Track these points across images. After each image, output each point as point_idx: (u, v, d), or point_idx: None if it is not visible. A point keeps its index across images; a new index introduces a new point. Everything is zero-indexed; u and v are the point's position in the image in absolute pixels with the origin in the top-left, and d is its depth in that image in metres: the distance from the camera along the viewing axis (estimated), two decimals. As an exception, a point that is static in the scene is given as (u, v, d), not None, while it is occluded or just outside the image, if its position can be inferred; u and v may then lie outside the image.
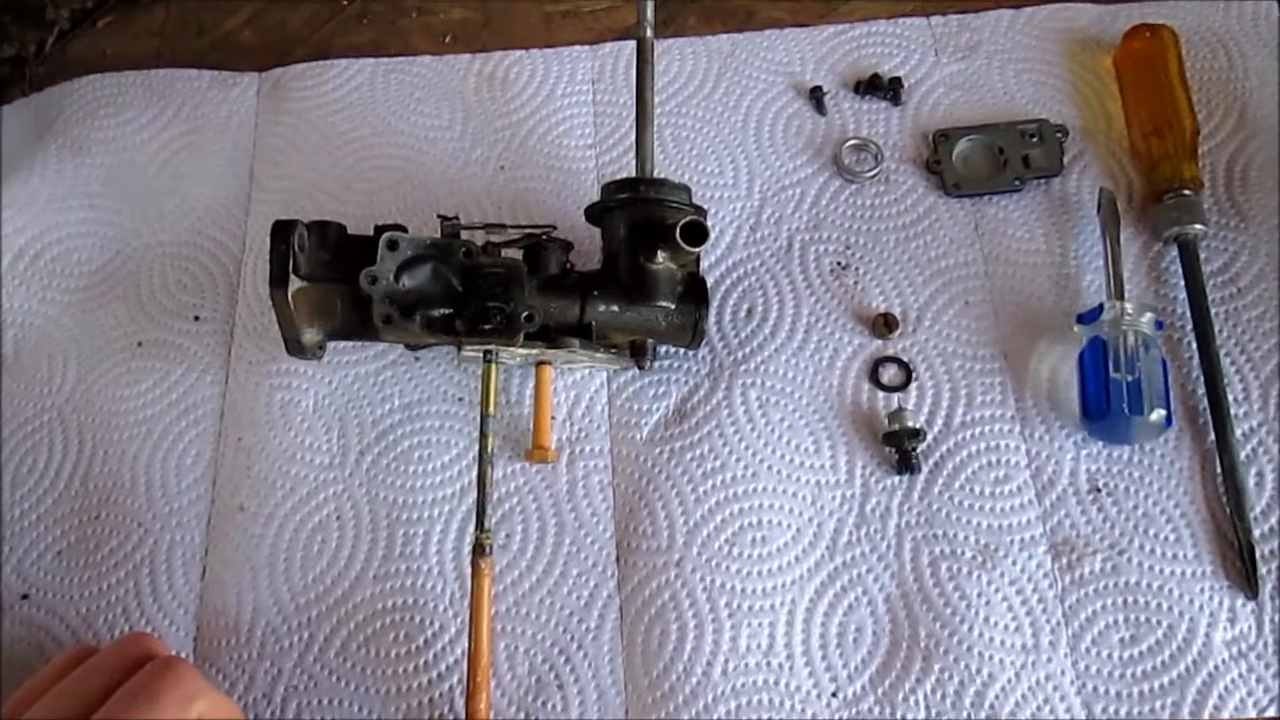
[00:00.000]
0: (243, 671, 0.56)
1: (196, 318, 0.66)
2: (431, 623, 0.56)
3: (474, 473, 0.57)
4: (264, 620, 0.57)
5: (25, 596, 0.59)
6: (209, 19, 0.78)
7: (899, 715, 0.53)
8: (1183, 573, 0.55)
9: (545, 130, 0.70)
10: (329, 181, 0.69)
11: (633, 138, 0.59)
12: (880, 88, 0.69)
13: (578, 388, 0.62)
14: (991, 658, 0.54)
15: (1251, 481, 0.57)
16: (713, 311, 0.63)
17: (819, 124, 0.69)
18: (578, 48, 0.73)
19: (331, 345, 0.62)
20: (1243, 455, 0.57)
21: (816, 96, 0.69)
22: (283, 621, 0.57)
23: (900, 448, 0.58)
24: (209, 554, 0.59)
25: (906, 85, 0.69)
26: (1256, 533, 0.55)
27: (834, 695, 0.54)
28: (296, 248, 0.53)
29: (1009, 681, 0.53)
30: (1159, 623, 0.54)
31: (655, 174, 0.59)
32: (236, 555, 0.59)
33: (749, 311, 0.63)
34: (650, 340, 0.58)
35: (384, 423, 0.62)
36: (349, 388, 0.63)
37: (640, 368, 0.59)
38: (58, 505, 0.61)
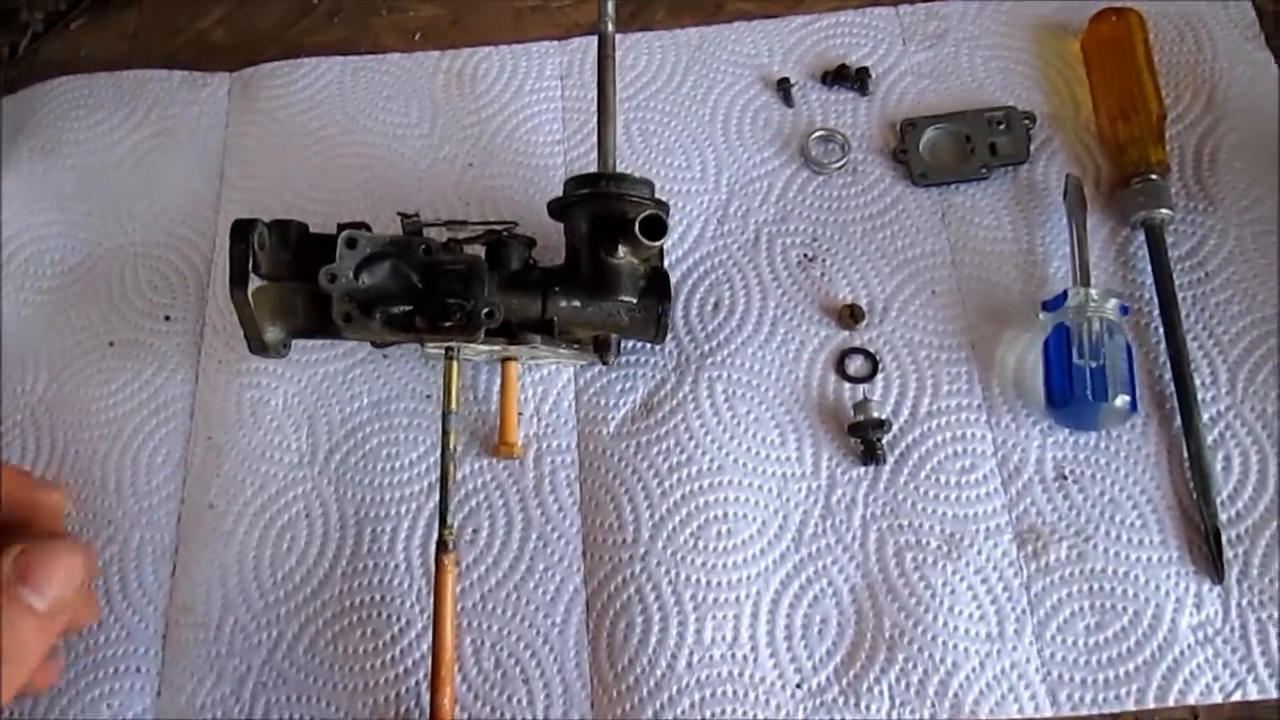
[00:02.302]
0: (211, 668, 0.56)
1: (167, 317, 0.66)
2: (398, 619, 0.57)
3: (441, 469, 0.57)
4: (233, 617, 0.58)
5: (-3, 597, 0.59)
6: (181, 19, 0.78)
7: (863, 706, 0.53)
8: (1149, 558, 0.55)
9: (514, 127, 0.70)
10: (298, 180, 0.69)
11: (601, 133, 0.60)
12: (848, 78, 0.69)
13: (545, 383, 0.62)
14: (956, 647, 0.54)
15: (1218, 466, 0.57)
16: (679, 305, 0.63)
17: (786, 116, 0.69)
18: (546, 43, 0.73)
19: (300, 344, 0.62)
20: (1209, 440, 0.57)
21: (784, 88, 0.69)
22: (252, 619, 0.57)
23: (866, 438, 0.58)
24: (179, 551, 0.60)
25: (874, 75, 0.69)
26: (1223, 517, 0.55)
27: (798, 687, 0.54)
28: (256, 247, 0.54)
29: (973, 670, 0.53)
30: (1125, 609, 0.54)
31: (620, 168, 0.59)
32: (206, 553, 0.59)
33: (716, 305, 0.63)
34: (614, 335, 0.58)
35: (352, 421, 0.62)
36: (318, 386, 0.63)
37: (604, 363, 0.59)
38: (30, 506, 0.61)
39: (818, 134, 0.67)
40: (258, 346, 0.56)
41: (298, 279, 0.55)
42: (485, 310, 0.54)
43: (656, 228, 0.53)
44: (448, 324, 0.54)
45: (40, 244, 0.69)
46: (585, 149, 0.69)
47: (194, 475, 0.61)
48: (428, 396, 0.62)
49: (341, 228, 0.55)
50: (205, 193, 0.70)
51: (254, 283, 0.54)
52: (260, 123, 0.72)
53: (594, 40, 0.71)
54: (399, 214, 0.57)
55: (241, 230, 0.54)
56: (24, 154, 0.71)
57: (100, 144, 0.72)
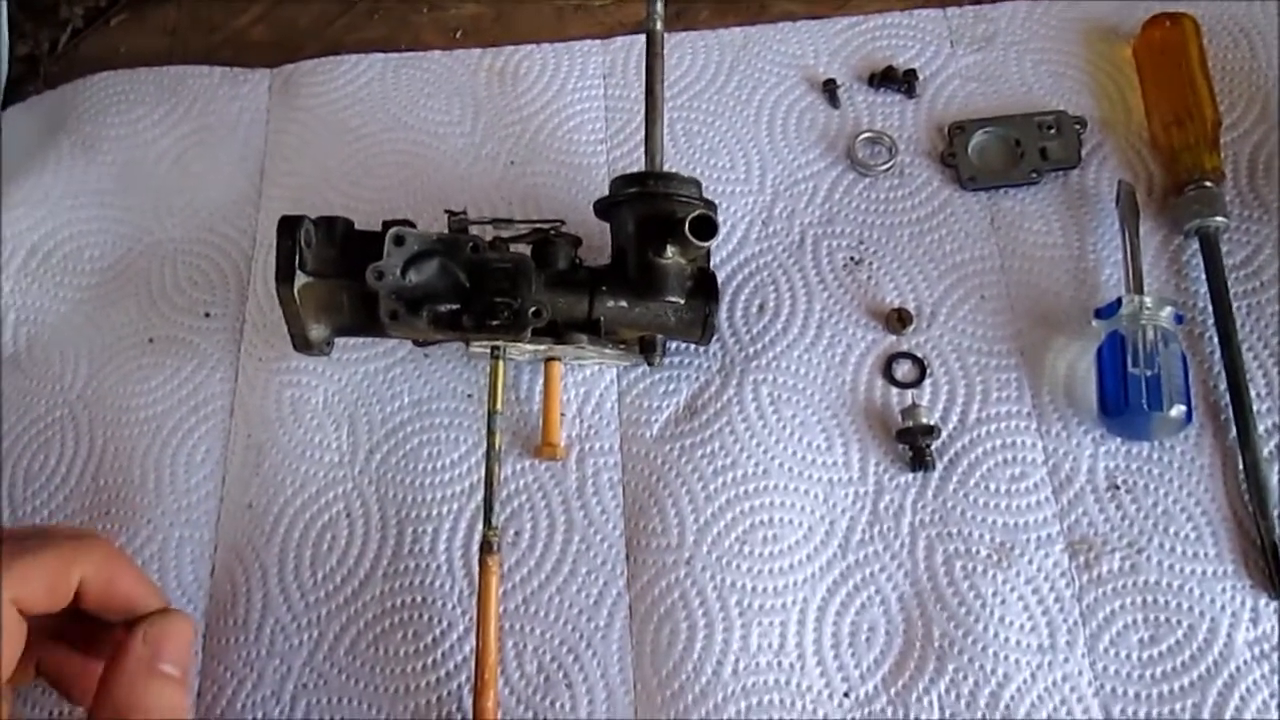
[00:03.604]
0: (251, 669, 0.56)
1: (207, 314, 0.66)
2: (440, 620, 0.56)
3: (483, 470, 0.57)
4: (273, 618, 0.57)
5: (36, 593, 0.59)
6: (221, 16, 0.78)
7: (912, 716, 0.52)
8: (1204, 572, 0.54)
9: (556, 125, 0.70)
10: (339, 177, 0.69)
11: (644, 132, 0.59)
12: (895, 80, 0.68)
13: (587, 384, 0.61)
14: (1007, 658, 0.53)
15: (1274, 478, 0.55)
16: (724, 307, 0.62)
17: (832, 117, 0.68)
18: (589, 42, 0.72)
19: (341, 342, 0.62)
20: (1265, 452, 0.56)
21: (830, 89, 0.68)
22: (292, 619, 0.57)
23: (914, 444, 0.57)
24: (218, 551, 0.59)
25: (921, 78, 0.68)
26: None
27: (846, 695, 0.53)
28: (303, 243, 0.53)
29: (1025, 682, 0.52)
30: (1179, 623, 0.53)
31: (665, 168, 0.58)
32: (246, 552, 0.59)
33: (760, 307, 0.63)
34: (660, 336, 0.58)
35: (393, 420, 0.61)
36: (358, 385, 0.62)
37: (650, 364, 0.59)
38: (69, 501, 0.61)
39: (864, 136, 0.67)
40: (302, 344, 0.56)
41: (343, 276, 0.54)
42: (532, 309, 0.53)
43: (707, 228, 0.52)
44: (495, 323, 0.53)
45: (80, 240, 0.69)
46: (628, 148, 0.68)
47: (233, 474, 0.61)
48: (469, 396, 0.62)
49: (386, 225, 0.55)
50: (246, 189, 0.69)
51: (300, 279, 0.53)
52: (301, 120, 0.71)
53: (637, 40, 0.71)
54: (446, 211, 0.57)
55: (288, 226, 0.53)
56: (65, 149, 0.71)
57: (141, 140, 0.72)
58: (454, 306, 0.54)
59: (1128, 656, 0.53)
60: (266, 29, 0.77)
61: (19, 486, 0.62)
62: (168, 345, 0.65)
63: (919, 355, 0.60)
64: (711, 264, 0.61)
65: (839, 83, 0.68)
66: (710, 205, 0.57)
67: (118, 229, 0.69)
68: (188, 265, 0.67)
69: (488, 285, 0.54)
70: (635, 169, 0.66)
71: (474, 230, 0.57)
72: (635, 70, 0.71)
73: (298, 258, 0.53)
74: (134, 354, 0.65)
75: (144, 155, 0.71)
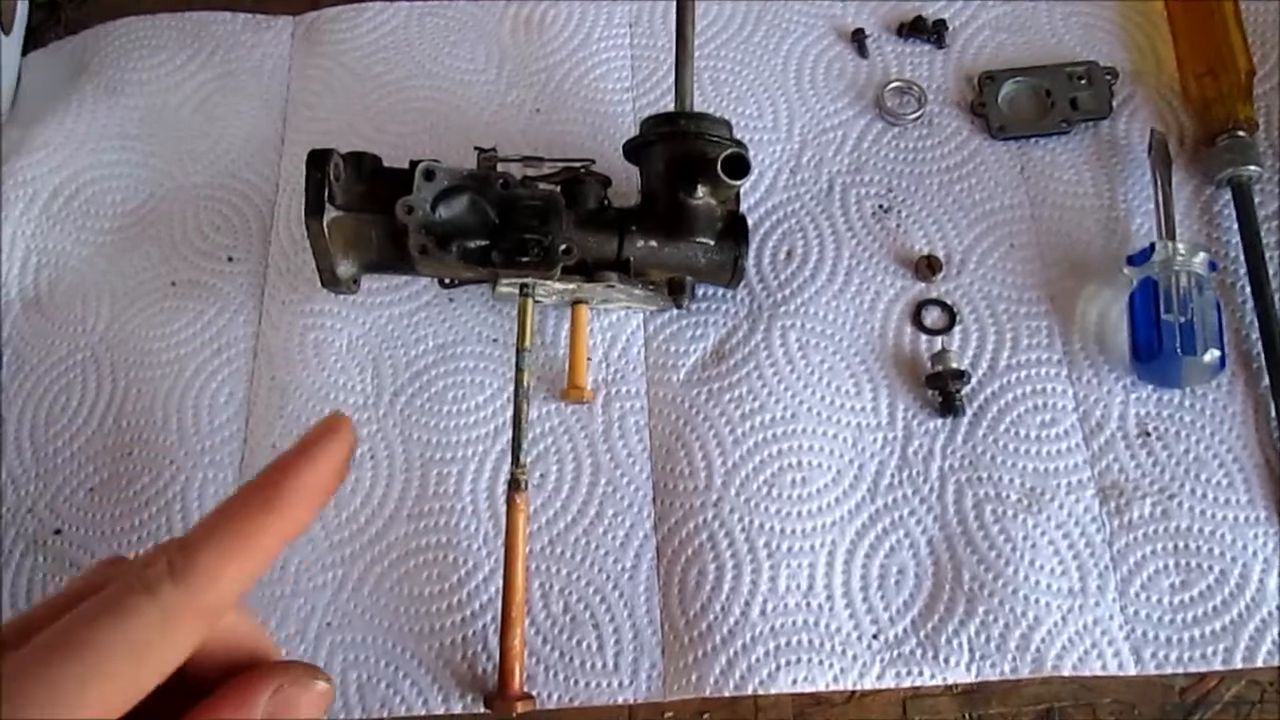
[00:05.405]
0: (275, 608, 0.55)
1: (230, 258, 0.65)
2: (465, 561, 0.56)
3: (508, 413, 0.56)
4: (298, 558, 0.57)
5: (58, 532, 0.58)
6: (243, -37, 0.77)
7: (942, 658, 0.52)
8: (1235, 518, 0.54)
9: (582, 74, 0.69)
10: (363, 124, 0.68)
11: (670, 81, 0.58)
12: (924, 30, 0.68)
13: (614, 329, 0.61)
14: (1038, 601, 0.53)
15: (1307, 427, 0.55)
16: (752, 253, 0.62)
17: (861, 67, 0.68)
18: (615, -9, 0.72)
19: (365, 286, 0.61)
20: (1298, 400, 0.56)
21: (858, 39, 0.68)
22: (316, 559, 0.57)
23: (944, 389, 0.57)
24: (242, 492, 0.59)
25: (951, 27, 0.68)
26: (1312, 479, 0.54)
27: (875, 637, 0.53)
28: (332, 177, 0.53)
29: (1055, 625, 0.52)
30: (1210, 568, 0.53)
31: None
32: (269, 493, 0.58)
33: (789, 253, 0.62)
34: (689, 278, 0.57)
35: (418, 363, 0.61)
36: (382, 328, 0.62)
37: (678, 306, 0.58)
38: (91, 442, 0.61)
39: (893, 85, 0.66)
40: (330, 280, 0.55)
41: (373, 211, 0.54)
42: (563, 246, 0.53)
43: (739, 166, 0.52)
44: (525, 259, 0.53)
45: (103, 184, 0.68)
46: (654, 96, 0.68)
47: (257, 415, 0.61)
48: (494, 340, 0.61)
49: (414, 164, 0.54)
50: (269, 135, 0.69)
51: (329, 213, 0.52)
52: (324, 66, 0.71)
53: (664, -11, 0.71)
54: (476, 149, 0.56)
55: (318, 159, 0.52)
56: (87, 94, 0.70)
57: (163, 85, 0.71)
58: (483, 242, 0.53)
59: (1159, 601, 0.52)
60: (289, -23, 0.77)
61: (40, 428, 0.61)
62: (190, 289, 0.64)
63: (948, 302, 0.60)
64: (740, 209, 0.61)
65: (868, 32, 0.68)
66: (741, 145, 0.56)
67: (140, 173, 0.68)
68: (210, 210, 0.67)
69: (518, 222, 0.53)
70: (662, 115, 0.66)
71: (503, 168, 0.56)
72: (661, 20, 0.70)
73: (327, 191, 0.52)
74: (156, 297, 0.64)
75: (167, 100, 0.71)
